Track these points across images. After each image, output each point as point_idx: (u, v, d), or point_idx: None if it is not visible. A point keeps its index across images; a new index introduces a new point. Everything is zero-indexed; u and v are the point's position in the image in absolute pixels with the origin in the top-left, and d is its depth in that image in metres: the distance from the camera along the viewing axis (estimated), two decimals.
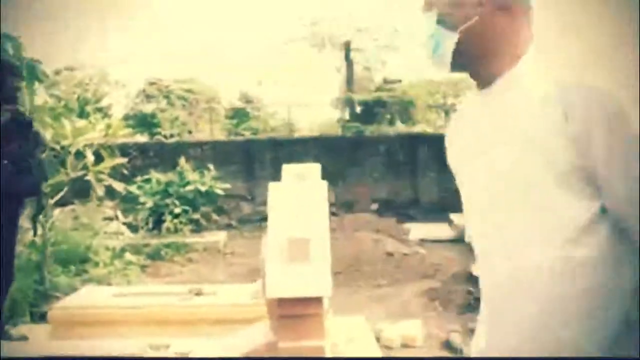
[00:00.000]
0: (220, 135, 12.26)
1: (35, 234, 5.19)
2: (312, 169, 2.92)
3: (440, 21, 1.20)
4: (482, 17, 1.18)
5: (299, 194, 2.51)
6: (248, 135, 11.81)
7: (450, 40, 1.19)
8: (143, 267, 6.72)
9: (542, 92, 1.14)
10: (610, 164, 1.08)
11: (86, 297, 3.77)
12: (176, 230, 8.04)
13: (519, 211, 1.15)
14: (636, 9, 4.17)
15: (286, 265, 2.23)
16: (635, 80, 3.75)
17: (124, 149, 6.39)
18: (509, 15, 1.19)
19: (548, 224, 1.12)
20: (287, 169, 2.89)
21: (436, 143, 9.61)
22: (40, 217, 5.39)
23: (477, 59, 1.22)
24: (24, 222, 6.20)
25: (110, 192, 7.18)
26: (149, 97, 13.75)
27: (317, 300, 2.23)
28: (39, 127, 5.52)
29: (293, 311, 2.24)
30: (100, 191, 5.83)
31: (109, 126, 6.44)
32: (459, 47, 1.19)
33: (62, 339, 3.26)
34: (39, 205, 5.33)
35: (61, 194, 5.72)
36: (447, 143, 1.38)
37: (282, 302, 2.22)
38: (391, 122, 12.09)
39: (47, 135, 5.50)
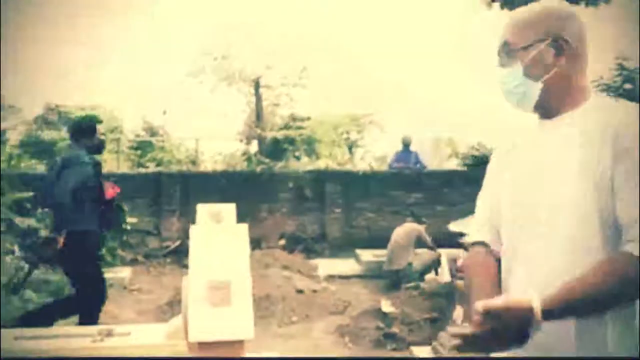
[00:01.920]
0: (124, 167, 12.00)
1: None
2: (227, 209, 2.98)
3: (526, 74, 1.53)
4: (560, 68, 1.52)
5: (220, 236, 2.56)
6: (153, 166, 11.62)
7: (535, 88, 1.54)
8: None
9: (599, 133, 1.43)
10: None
11: None
12: None
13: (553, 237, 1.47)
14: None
15: (208, 308, 2.27)
16: None
17: (24, 181, 6.14)
18: (577, 63, 1.54)
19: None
20: (201, 209, 2.92)
21: (343, 179, 9.96)
22: None
23: (554, 101, 1.54)
24: None
25: (10, 226, 6.89)
26: (47, 124, 13.25)
27: (239, 343, 2.28)
28: None
29: (215, 353, 2.28)
30: (2, 226, 5.60)
31: (10, 156, 6.23)
32: (541, 93, 1.54)
33: None
34: None
35: None
36: (496, 160, 1.73)
37: (203, 345, 2.25)
38: (298, 158, 12.32)
39: None
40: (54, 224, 4.60)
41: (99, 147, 4.87)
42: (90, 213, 4.48)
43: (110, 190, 4.69)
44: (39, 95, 13.71)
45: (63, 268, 4.95)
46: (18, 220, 5.76)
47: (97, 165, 4.69)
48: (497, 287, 1.61)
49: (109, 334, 3.63)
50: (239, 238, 2.62)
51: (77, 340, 3.52)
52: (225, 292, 2.36)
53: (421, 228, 7.30)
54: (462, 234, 6.87)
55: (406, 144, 10.50)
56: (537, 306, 1.33)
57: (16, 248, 7.88)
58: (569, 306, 1.35)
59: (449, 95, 23.30)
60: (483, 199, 1.76)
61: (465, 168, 10.74)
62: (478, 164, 9.44)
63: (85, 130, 4.77)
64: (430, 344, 4.62)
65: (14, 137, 12.29)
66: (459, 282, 5.31)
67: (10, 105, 12.88)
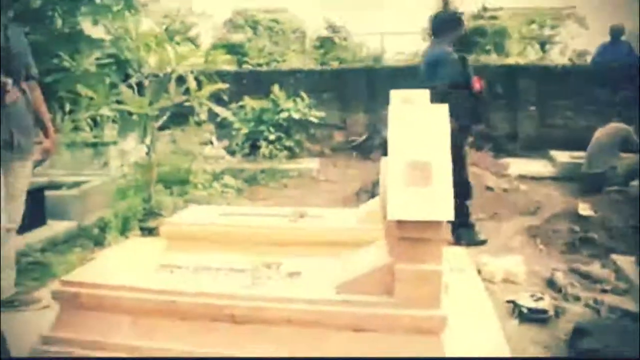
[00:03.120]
0: (311, 65, 12.16)
1: (149, 155, 5.44)
2: (421, 95, 2.82)
3: None
4: None
5: (419, 117, 2.43)
6: (336, 65, 11.65)
7: None
8: (240, 191, 6.90)
9: None
10: None
11: (194, 215, 3.89)
12: (271, 157, 8.17)
13: None
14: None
15: (407, 188, 2.18)
16: None
17: (219, 77, 6.45)
18: None
19: None
20: (395, 94, 2.80)
21: (538, 74, 9.21)
22: (147, 139, 5.61)
23: None
24: (129, 144, 6.51)
25: (208, 118, 7.33)
26: (235, 27, 13.76)
27: (437, 225, 2.18)
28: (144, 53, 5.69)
29: (413, 234, 2.20)
30: (203, 115, 5.98)
31: (208, 53, 6.51)
32: None
33: (175, 251, 3.39)
34: (144, 126, 5.55)
35: (164, 118, 5.90)
36: None
37: (401, 224, 2.19)
38: (488, 52, 11.59)
39: (151, 61, 5.64)
40: None
41: (464, 40, 5.03)
42: (462, 108, 4.49)
43: (477, 85, 4.76)
44: (227, 1, 14.20)
45: None
46: (218, 110, 6.07)
47: (464, 59, 4.77)
48: None
49: (303, 215, 3.74)
50: (438, 118, 2.47)
51: (273, 219, 3.67)
52: (426, 172, 2.25)
53: (630, 129, 6.56)
54: None
55: (616, 34, 9.35)
56: None
57: (214, 138, 8.44)
58: None
59: None
60: None
61: None
62: None
63: (449, 23, 4.85)
64: (634, 254, 4.19)
65: (207, 40, 12.99)
66: None
67: (201, 12, 13.52)
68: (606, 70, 8.95)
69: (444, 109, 2.47)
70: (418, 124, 2.38)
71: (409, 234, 2.19)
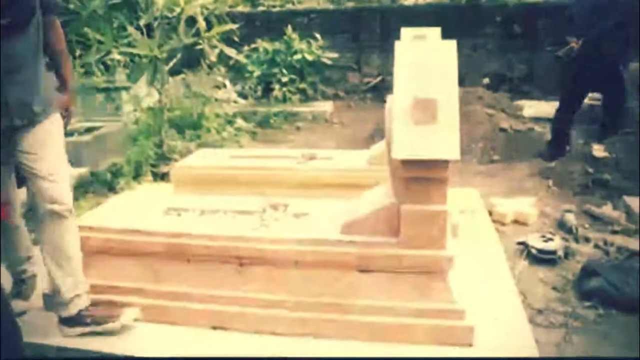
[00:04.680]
0: (326, 5, 11.87)
1: (160, 100, 5.40)
2: (432, 33, 2.73)
3: None
4: None
5: (426, 53, 2.36)
6: (351, 4, 11.37)
7: None
8: (253, 134, 6.87)
9: None
10: None
11: (205, 158, 3.89)
12: (284, 99, 8.09)
13: None
14: None
15: (413, 126, 2.13)
16: None
17: (230, 18, 6.32)
18: None
19: None
20: (406, 32, 2.72)
21: (557, 15, 8.89)
22: (157, 82, 5.57)
23: None
24: (142, 88, 6.47)
25: (220, 61, 7.24)
26: None
27: (443, 164, 2.14)
28: None
29: (418, 173, 2.17)
30: (213, 57, 5.89)
31: None
32: None
33: (184, 195, 3.40)
34: (154, 70, 5.49)
35: (174, 60, 5.83)
36: None
37: (407, 164, 2.15)
38: None
39: (160, 1, 5.53)
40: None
41: None
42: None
43: None
44: None
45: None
46: (228, 51, 5.98)
47: None
48: None
49: (313, 157, 3.72)
50: (446, 54, 2.39)
51: (282, 161, 3.66)
52: (432, 109, 2.19)
53: None
54: None
55: None
56: None
57: (227, 81, 8.37)
58: None
59: None
60: None
61: None
62: None
63: None
64: None
65: None
66: None
67: None
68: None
69: (452, 45, 2.39)
70: (425, 60, 2.31)
71: (414, 174, 2.16)
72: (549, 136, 5.73)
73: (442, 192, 2.20)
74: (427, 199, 2.20)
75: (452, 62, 2.30)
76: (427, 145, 2.09)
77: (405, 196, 2.21)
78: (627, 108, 6.00)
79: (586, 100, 7.20)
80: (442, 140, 2.10)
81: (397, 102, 2.20)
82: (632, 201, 4.11)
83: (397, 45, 2.36)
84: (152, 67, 5.47)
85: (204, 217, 2.74)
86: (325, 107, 8.09)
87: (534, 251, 3.32)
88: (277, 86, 8.18)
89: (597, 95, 6.60)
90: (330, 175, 3.33)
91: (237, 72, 8.56)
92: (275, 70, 8.31)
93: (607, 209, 4.13)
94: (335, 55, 8.56)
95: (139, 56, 5.73)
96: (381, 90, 8.79)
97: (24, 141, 2.40)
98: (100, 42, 5.48)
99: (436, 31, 2.72)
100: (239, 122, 6.91)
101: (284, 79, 8.21)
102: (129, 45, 5.54)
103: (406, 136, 2.11)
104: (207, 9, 5.86)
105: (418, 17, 8.78)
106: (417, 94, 2.17)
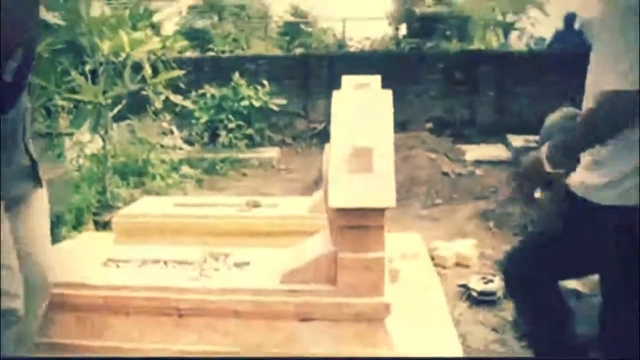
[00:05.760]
0: (274, 52, 12.06)
1: (104, 147, 5.31)
2: (373, 80, 2.82)
3: None
4: None
5: (364, 102, 2.43)
6: (299, 51, 11.59)
7: None
8: (199, 181, 6.84)
9: None
10: None
11: (147, 206, 3.84)
12: (231, 145, 8.11)
13: None
14: None
15: (349, 175, 2.17)
16: None
17: (178, 64, 6.34)
18: None
19: None
20: (347, 80, 2.79)
21: (497, 61, 9.28)
22: (101, 128, 5.50)
23: None
24: (85, 134, 6.37)
25: (166, 107, 7.23)
26: (200, 13, 13.56)
27: (379, 212, 2.18)
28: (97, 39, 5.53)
29: (354, 222, 2.20)
30: (158, 104, 5.87)
31: (166, 38, 6.39)
32: None
33: (125, 244, 3.34)
34: (98, 116, 5.43)
35: (119, 107, 5.79)
36: None
37: (343, 212, 2.18)
38: (448, 39, 11.63)
39: (105, 47, 5.50)
40: None
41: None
42: None
43: None
44: None
45: None
46: (173, 97, 5.98)
47: None
48: None
49: (256, 204, 3.72)
50: (382, 103, 2.46)
51: (224, 209, 3.65)
52: (367, 158, 2.24)
53: (580, 113, 6.66)
54: None
55: (568, 22, 9.48)
56: None
57: (174, 127, 8.34)
58: None
59: None
60: None
61: None
62: None
63: None
64: None
65: (169, 27, 12.75)
66: None
67: None
68: (561, 57, 9.03)
69: (388, 94, 2.47)
70: (361, 109, 2.38)
71: (350, 222, 2.19)
72: (489, 180, 5.90)
73: (379, 239, 2.23)
74: (364, 247, 2.22)
75: (388, 110, 2.37)
76: (362, 194, 2.13)
77: (342, 244, 2.23)
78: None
79: (524, 142, 7.48)
80: (378, 188, 2.15)
81: (334, 151, 2.24)
82: None
83: (335, 94, 2.42)
84: (96, 113, 5.41)
85: (144, 268, 2.70)
86: (272, 153, 8.14)
87: (474, 293, 3.38)
88: (223, 132, 8.21)
89: (535, 137, 6.83)
90: (272, 223, 3.33)
91: (183, 118, 8.56)
92: (222, 116, 8.35)
93: None
94: (283, 101, 8.66)
95: (83, 102, 5.67)
96: (328, 136, 8.90)
97: None
98: (42, 88, 5.40)
99: (377, 79, 2.81)
100: (185, 168, 6.87)
101: (231, 125, 8.25)
102: (73, 91, 5.47)
103: (342, 185, 2.15)
104: (154, 54, 5.86)
105: (364, 64, 8.98)
106: (353, 142, 2.22)
